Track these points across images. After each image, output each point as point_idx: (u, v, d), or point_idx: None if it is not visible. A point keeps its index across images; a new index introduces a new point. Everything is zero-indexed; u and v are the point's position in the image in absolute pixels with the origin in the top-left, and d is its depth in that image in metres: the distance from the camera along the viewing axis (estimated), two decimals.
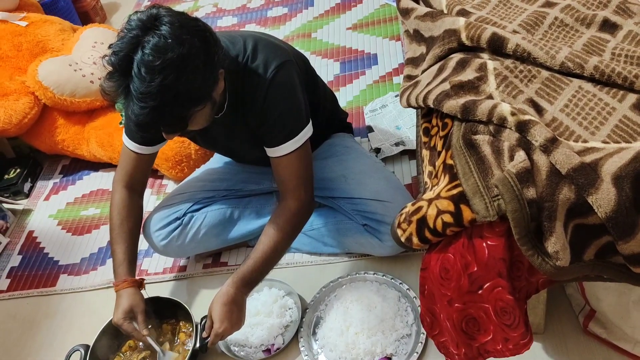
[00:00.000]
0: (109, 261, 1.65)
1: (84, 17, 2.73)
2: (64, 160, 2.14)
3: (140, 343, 1.37)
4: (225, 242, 1.54)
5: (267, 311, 1.37)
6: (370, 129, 1.82)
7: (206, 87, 1.05)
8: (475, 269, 0.85)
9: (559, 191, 0.79)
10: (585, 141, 0.84)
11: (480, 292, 0.86)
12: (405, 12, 1.29)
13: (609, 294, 1.08)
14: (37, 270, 1.75)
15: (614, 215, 0.76)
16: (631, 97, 0.88)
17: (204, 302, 1.40)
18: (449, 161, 0.89)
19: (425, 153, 1.07)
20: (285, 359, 1.33)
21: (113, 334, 1.37)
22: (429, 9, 1.20)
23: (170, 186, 1.88)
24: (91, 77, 1.95)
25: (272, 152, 1.25)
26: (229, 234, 1.51)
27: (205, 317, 1.26)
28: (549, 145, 0.81)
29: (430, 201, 0.87)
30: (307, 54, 2.18)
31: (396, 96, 1.91)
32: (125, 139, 1.33)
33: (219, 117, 1.22)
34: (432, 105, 0.98)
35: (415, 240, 0.90)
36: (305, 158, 1.26)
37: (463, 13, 1.14)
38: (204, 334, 1.24)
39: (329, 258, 1.51)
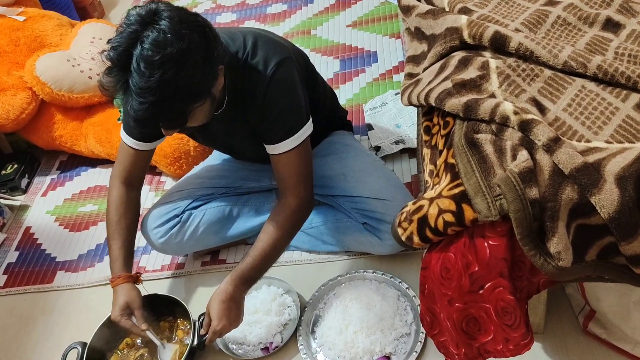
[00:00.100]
0: (107, 258, 1.62)
1: (82, 13, 2.72)
2: (62, 156, 2.13)
3: (138, 340, 1.37)
4: (224, 240, 1.53)
5: (265, 309, 1.36)
6: (370, 127, 1.81)
7: (206, 82, 1.04)
8: (477, 268, 0.84)
9: (562, 191, 0.78)
10: (588, 141, 0.84)
11: (481, 292, 0.86)
12: (407, 10, 1.28)
13: (609, 294, 1.08)
14: (34, 266, 1.74)
15: (617, 215, 0.76)
16: (634, 97, 0.88)
17: (202, 299, 1.39)
18: (451, 160, 0.89)
19: (426, 152, 1.06)
20: (283, 357, 1.32)
21: (110, 332, 1.36)
22: (430, 7, 1.19)
23: (168, 183, 1.87)
24: (89, 73, 1.94)
25: (272, 149, 1.24)
26: (227, 231, 1.51)
27: (203, 314, 1.26)
28: (552, 145, 0.80)
29: (431, 200, 0.87)
30: (306, 51, 2.16)
31: (396, 94, 1.90)
32: (123, 135, 1.32)
33: (219, 114, 1.21)
34: (433, 104, 0.97)
35: (416, 239, 0.89)
36: (305, 155, 1.25)
37: (465, 11, 1.13)
38: (202, 332, 1.23)
39: (328, 256, 1.50)
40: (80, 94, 1.93)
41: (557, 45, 0.96)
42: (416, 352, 1.23)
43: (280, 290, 1.42)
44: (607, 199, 0.76)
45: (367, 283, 1.38)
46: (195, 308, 1.36)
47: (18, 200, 2.00)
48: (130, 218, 1.35)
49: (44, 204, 1.96)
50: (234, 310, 1.22)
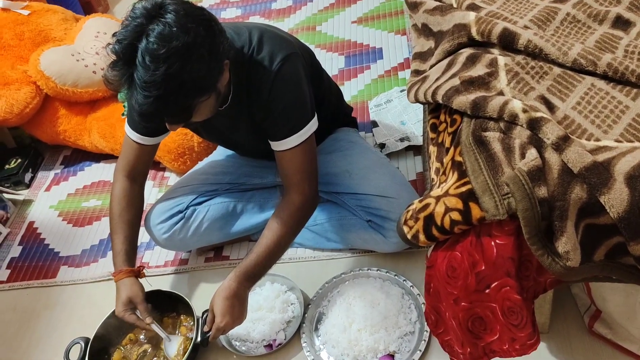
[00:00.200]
0: (110, 253, 1.63)
1: (87, 7, 2.71)
2: (65, 150, 2.13)
3: (142, 336, 1.36)
4: (228, 236, 1.53)
5: (269, 306, 1.36)
6: (374, 124, 1.80)
7: (211, 76, 1.03)
8: (483, 267, 0.84)
9: (571, 190, 0.77)
10: (597, 140, 0.83)
11: (487, 291, 0.85)
12: (414, 6, 1.27)
13: (615, 294, 1.07)
14: (38, 261, 1.74)
15: (627, 215, 0.75)
16: None
17: (205, 296, 1.39)
18: (458, 158, 0.88)
19: (433, 149, 1.06)
20: (287, 354, 1.32)
21: (113, 327, 1.36)
22: (438, 3, 1.18)
23: (172, 179, 1.87)
24: (94, 68, 1.93)
25: (277, 145, 1.23)
26: (231, 228, 1.50)
27: (206, 311, 1.25)
28: (561, 144, 0.79)
29: (438, 198, 0.86)
30: (311, 47, 2.15)
31: (402, 91, 1.89)
32: (127, 129, 1.32)
33: (223, 109, 1.20)
34: (441, 101, 0.96)
35: (421, 237, 0.88)
36: (310, 152, 1.25)
37: (473, 7, 1.12)
38: (206, 328, 1.23)
39: (332, 254, 1.50)
40: (85, 89, 1.92)
41: (567, 43, 0.95)
42: (420, 350, 1.22)
43: (284, 288, 1.42)
44: (616, 199, 0.75)
45: (371, 281, 1.38)
46: (198, 304, 1.35)
47: (21, 194, 2.00)
48: (133, 212, 1.35)
49: (48, 199, 1.96)
50: (237, 307, 1.21)
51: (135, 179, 1.36)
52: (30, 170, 2.05)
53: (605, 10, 1.04)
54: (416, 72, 1.20)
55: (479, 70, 0.96)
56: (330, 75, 1.59)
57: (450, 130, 0.97)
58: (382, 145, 1.72)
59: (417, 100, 1.08)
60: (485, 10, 1.10)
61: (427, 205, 0.87)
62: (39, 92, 1.93)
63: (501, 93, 0.91)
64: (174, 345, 1.30)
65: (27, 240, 1.83)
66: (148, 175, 1.45)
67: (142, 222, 1.42)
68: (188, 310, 1.36)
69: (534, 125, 0.82)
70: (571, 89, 0.91)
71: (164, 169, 1.91)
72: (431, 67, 1.13)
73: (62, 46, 1.98)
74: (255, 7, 2.61)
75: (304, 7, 2.51)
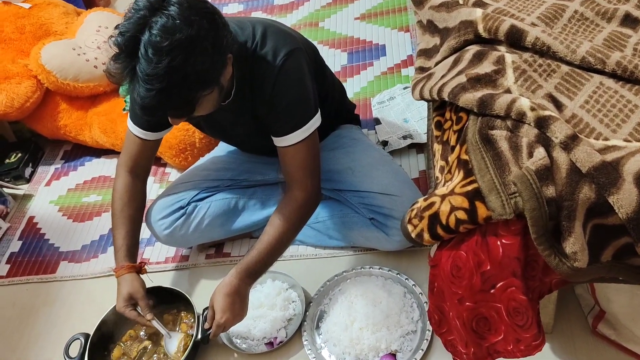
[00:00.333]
0: (110, 249, 1.63)
1: (88, 1, 2.70)
2: (66, 145, 2.12)
3: (142, 332, 1.36)
4: (229, 233, 1.52)
5: (270, 304, 1.35)
6: (377, 121, 1.79)
7: (214, 70, 1.02)
8: (489, 267, 0.83)
9: (579, 190, 0.76)
10: (606, 139, 0.82)
11: (492, 291, 0.84)
12: (419, 2, 1.26)
13: (620, 295, 1.06)
14: (37, 256, 1.73)
15: (636, 216, 0.74)
16: None
17: (206, 292, 1.38)
18: (464, 156, 0.87)
19: (437, 147, 1.04)
20: (287, 352, 1.31)
21: (114, 324, 1.35)
22: None
23: (173, 174, 1.86)
24: (95, 62, 1.92)
25: (279, 141, 1.22)
26: (233, 224, 1.49)
27: (207, 308, 1.24)
28: (570, 143, 0.78)
29: (443, 197, 0.85)
30: (314, 44, 2.14)
31: (405, 88, 1.88)
32: (129, 124, 1.31)
33: (226, 104, 1.19)
34: (447, 98, 0.95)
35: (426, 236, 0.87)
36: (313, 148, 1.24)
37: (480, 4, 1.11)
38: (206, 325, 1.22)
39: (333, 251, 1.49)
40: (86, 83, 1.91)
41: (575, 41, 0.94)
42: (422, 350, 1.21)
43: (285, 285, 1.41)
44: (625, 199, 0.74)
45: (373, 279, 1.37)
46: (199, 301, 1.35)
47: (21, 189, 1.99)
48: (134, 207, 1.34)
49: (48, 194, 1.95)
50: (238, 304, 1.20)
51: (138, 175, 1.35)
52: (30, 164, 2.04)
53: (614, 8, 1.03)
54: (421, 69, 1.19)
55: (486, 67, 0.94)
56: (333, 72, 1.58)
57: (455, 128, 0.96)
58: (384, 143, 1.71)
59: (422, 98, 1.07)
60: (492, 7, 1.09)
61: (432, 204, 0.86)
62: (39, 86, 1.91)
63: (508, 91, 0.90)
64: (174, 342, 1.29)
65: (27, 235, 1.82)
66: None
67: (144, 218, 1.41)
68: (189, 307, 1.35)
69: (542, 123, 0.81)
70: (579, 87, 0.89)
71: (165, 165, 1.90)
72: (436, 64, 1.12)
73: (63, 40, 1.97)
74: (257, 2, 2.60)
75: (307, 3, 2.49)
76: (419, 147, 1.70)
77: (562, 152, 0.79)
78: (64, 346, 1.32)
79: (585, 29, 1.01)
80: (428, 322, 1.22)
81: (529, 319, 0.83)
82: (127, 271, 1.27)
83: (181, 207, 1.45)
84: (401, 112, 1.80)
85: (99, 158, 2.03)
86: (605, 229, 0.79)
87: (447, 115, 1.02)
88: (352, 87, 1.99)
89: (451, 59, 1.05)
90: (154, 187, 1.81)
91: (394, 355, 1.23)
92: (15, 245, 1.79)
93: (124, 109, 1.86)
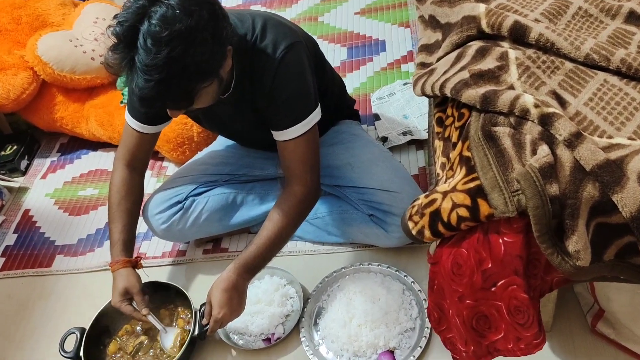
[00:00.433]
0: (107, 243, 1.61)
1: None
2: (62, 138, 2.10)
3: (138, 327, 1.35)
4: (227, 228, 1.51)
5: (268, 300, 1.34)
6: (377, 117, 1.78)
7: (214, 61, 1.01)
8: (490, 265, 0.82)
9: (583, 188, 0.75)
10: (610, 137, 0.81)
11: (493, 289, 0.84)
12: None
13: (621, 294, 1.05)
14: (33, 249, 1.72)
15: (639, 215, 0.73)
16: None
17: (203, 288, 1.37)
18: (466, 153, 0.86)
19: (438, 144, 1.04)
20: (285, 349, 1.30)
21: (110, 318, 1.34)
22: None
23: (170, 169, 1.84)
24: (92, 54, 1.90)
25: (279, 135, 1.21)
26: (231, 219, 1.48)
27: (204, 303, 1.23)
28: (574, 140, 0.77)
29: (445, 194, 0.84)
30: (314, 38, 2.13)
31: (405, 84, 1.87)
32: (127, 117, 1.30)
33: (225, 97, 1.18)
34: (449, 94, 0.94)
35: (427, 233, 0.87)
36: (313, 143, 1.23)
37: None
38: (204, 321, 1.21)
39: (332, 247, 1.48)
40: (82, 75, 1.89)
41: (579, 37, 0.93)
42: (421, 347, 1.21)
43: (283, 281, 1.40)
44: (629, 198, 0.73)
45: (371, 276, 1.36)
46: (196, 296, 1.34)
47: (17, 182, 1.97)
48: (131, 201, 1.33)
49: (44, 187, 1.94)
50: (235, 299, 1.19)
51: (135, 168, 1.34)
52: (26, 157, 2.03)
53: (618, 4, 1.02)
54: (422, 65, 1.18)
55: (489, 63, 0.93)
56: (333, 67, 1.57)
57: (457, 124, 0.95)
58: (384, 139, 1.70)
59: (423, 94, 1.06)
60: (495, 2, 1.08)
61: (433, 201, 0.85)
62: (36, 77, 1.90)
63: (512, 87, 0.89)
64: (170, 337, 1.28)
65: (23, 228, 1.80)
66: None
67: (141, 212, 1.40)
68: (186, 302, 1.34)
69: (546, 120, 0.80)
70: (583, 84, 0.89)
71: (162, 159, 1.89)
72: (438, 59, 1.10)
73: (60, 31, 1.95)
74: None
75: None
76: (418, 144, 1.69)
77: (565, 150, 0.78)
78: (59, 340, 1.31)
79: (589, 25, 1.00)
80: (427, 319, 1.22)
81: (530, 318, 0.83)
82: (122, 265, 1.26)
83: (179, 202, 1.44)
84: (401, 108, 1.78)
85: (95, 151, 2.01)
86: (609, 227, 0.78)
87: (449, 111, 1.01)
88: (352, 83, 1.97)
89: (453, 54, 1.04)
90: (151, 181, 1.80)
91: (392, 352, 1.22)
92: (11, 239, 1.77)
93: (122, 102, 1.84)
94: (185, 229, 1.45)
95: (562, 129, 0.78)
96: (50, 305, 1.55)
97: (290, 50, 1.15)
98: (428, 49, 1.21)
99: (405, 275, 1.34)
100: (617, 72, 0.89)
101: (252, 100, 1.20)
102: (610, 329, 1.13)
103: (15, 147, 2.01)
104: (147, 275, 1.34)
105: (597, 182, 0.76)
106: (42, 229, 1.78)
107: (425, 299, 1.28)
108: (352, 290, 1.31)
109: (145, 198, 1.43)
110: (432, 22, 1.22)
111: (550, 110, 0.81)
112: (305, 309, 1.33)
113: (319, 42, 2.15)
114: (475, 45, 1.00)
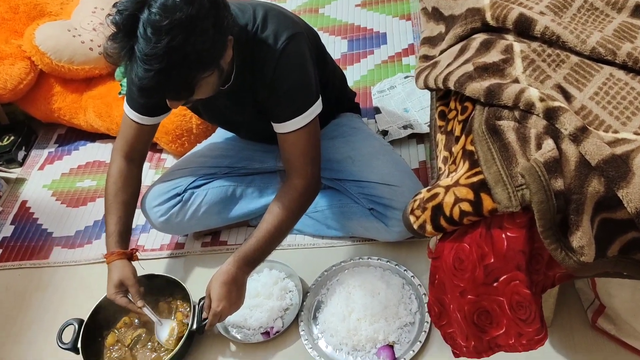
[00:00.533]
0: (104, 235, 1.60)
1: None
2: (60, 129, 2.09)
3: (136, 320, 1.34)
4: (226, 221, 1.50)
5: (267, 293, 1.33)
6: (377, 110, 1.77)
7: (215, 51, 1.00)
8: (492, 260, 0.81)
9: (588, 183, 0.75)
10: (615, 132, 0.80)
11: (495, 284, 0.83)
12: None
13: (623, 290, 1.05)
14: (30, 241, 1.71)
15: None
16: None
17: (201, 281, 1.36)
18: (469, 147, 0.85)
19: (441, 137, 1.02)
20: (284, 342, 1.30)
21: (108, 310, 1.33)
22: None
23: (169, 161, 1.83)
24: (90, 44, 1.88)
25: (280, 127, 1.20)
26: (230, 212, 1.47)
27: (203, 297, 1.23)
28: (579, 135, 0.76)
29: (447, 188, 0.83)
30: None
31: (405, 77, 1.86)
32: (126, 108, 1.28)
33: (225, 89, 1.17)
34: (453, 88, 0.93)
35: (429, 227, 0.86)
36: (314, 135, 1.21)
37: None
38: (204, 315, 1.20)
39: (332, 241, 1.47)
40: (81, 66, 1.87)
41: (585, 31, 0.91)
42: (420, 341, 1.20)
43: (282, 275, 1.39)
44: (635, 193, 0.72)
45: (371, 270, 1.35)
46: (194, 289, 1.33)
47: (14, 173, 1.96)
48: (128, 193, 1.32)
49: (41, 178, 1.92)
50: (234, 293, 1.19)
51: (133, 160, 1.33)
52: (23, 148, 2.01)
53: None
54: (425, 57, 1.16)
55: (494, 56, 0.92)
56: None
57: (460, 118, 0.94)
58: (384, 132, 1.68)
59: (426, 87, 1.04)
60: None
61: (435, 195, 0.84)
62: (33, 67, 1.88)
63: (516, 80, 0.88)
64: (166, 329, 1.27)
65: (20, 219, 1.79)
66: None
67: (139, 204, 1.39)
68: (185, 296, 1.33)
69: (551, 114, 0.79)
70: (589, 78, 0.87)
71: (161, 151, 1.87)
72: (441, 52, 1.09)
73: (58, 21, 1.93)
74: None
75: None
76: (419, 137, 1.68)
77: (571, 145, 0.77)
78: (57, 332, 1.30)
79: (595, 19, 0.99)
80: (426, 313, 1.21)
81: (532, 313, 0.82)
82: (117, 257, 1.25)
83: (177, 194, 1.43)
84: (402, 101, 1.77)
85: (93, 142, 1.99)
86: (613, 223, 0.77)
87: (452, 105, 1.00)
88: (352, 75, 1.96)
89: (457, 47, 1.02)
90: (149, 173, 1.79)
91: (391, 346, 1.22)
92: (8, 230, 1.76)
93: (120, 93, 1.83)
94: (184, 221, 1.44)
95: (568, 123, 0.77)
96: (48, 297, 1.54)
97: (291, 41, 1.14)
98: (431, 41, 1.20)
99: (405, 270, 1.33)
100: (623, 66, 0.87)
101: (252, 92, 1.19)
102: (611, 324, 1.13)
103: (12, 137, 2.00)
104: (143, 267, 1.33)
105: (602, 177, 0.75)
106: (40, 220, 1.77)
107: (425, 294, 1.27)
108: (352, 284, 1.31)
109: (143, 190, 1.42)
110: (435, 14, 1.20)
111: (556, 104, 0.79)
112: (305, 303, 1.33)
113: (320, 34, 2.13)
114: (479, 37, 0.99)
